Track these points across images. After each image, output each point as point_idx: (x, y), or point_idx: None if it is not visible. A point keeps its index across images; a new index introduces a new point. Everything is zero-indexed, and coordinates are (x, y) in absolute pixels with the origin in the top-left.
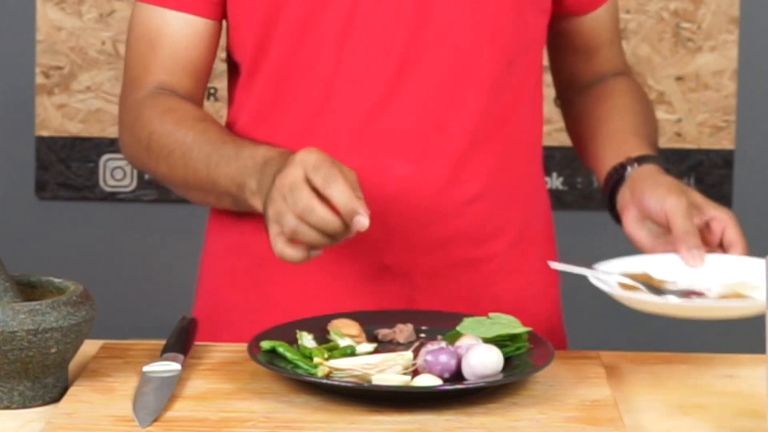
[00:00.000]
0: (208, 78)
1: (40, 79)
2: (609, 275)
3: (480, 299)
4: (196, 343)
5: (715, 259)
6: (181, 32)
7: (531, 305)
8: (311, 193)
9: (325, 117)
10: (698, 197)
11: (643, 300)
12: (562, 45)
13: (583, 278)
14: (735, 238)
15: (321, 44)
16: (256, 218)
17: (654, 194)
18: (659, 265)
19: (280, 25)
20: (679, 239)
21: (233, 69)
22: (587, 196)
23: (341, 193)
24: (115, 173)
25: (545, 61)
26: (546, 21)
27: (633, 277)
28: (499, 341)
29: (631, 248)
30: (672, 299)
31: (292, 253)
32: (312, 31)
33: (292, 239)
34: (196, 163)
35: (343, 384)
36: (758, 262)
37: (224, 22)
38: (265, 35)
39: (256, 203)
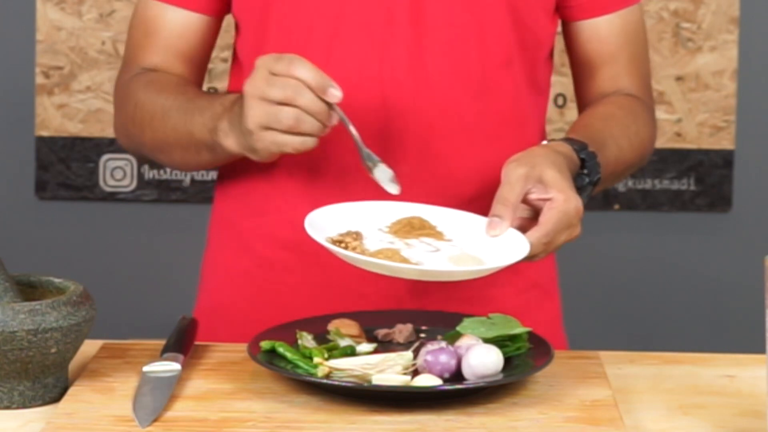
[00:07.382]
0: (204, 68)
1: (40, 79)
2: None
3: (478, 300)
4: (196, 343)
5: (509, 232)
6: (177, 24)
7: (529, 308)
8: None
9: None
10: (551, 174)
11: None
12: (569, 58)
13: (584, 279)
14: (542, 222)
15: (310, 42)
16: (258, 218)
17: (510, 160)
18: (461, 220)
19: (271, 26)
20: (493, 203)
21: (238, 70)
22: None
23: (308, 69)
24: (115, 173)
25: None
26: (551, 22)
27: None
28: (499, 341)
29: (622, 244)
30: (356, 255)
31: (290, 139)
32: (302, 30)
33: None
34: (175, 120)
35: (343, 384)
36: (522, 244)
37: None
38: (260, 36)
39: (230, 142)
